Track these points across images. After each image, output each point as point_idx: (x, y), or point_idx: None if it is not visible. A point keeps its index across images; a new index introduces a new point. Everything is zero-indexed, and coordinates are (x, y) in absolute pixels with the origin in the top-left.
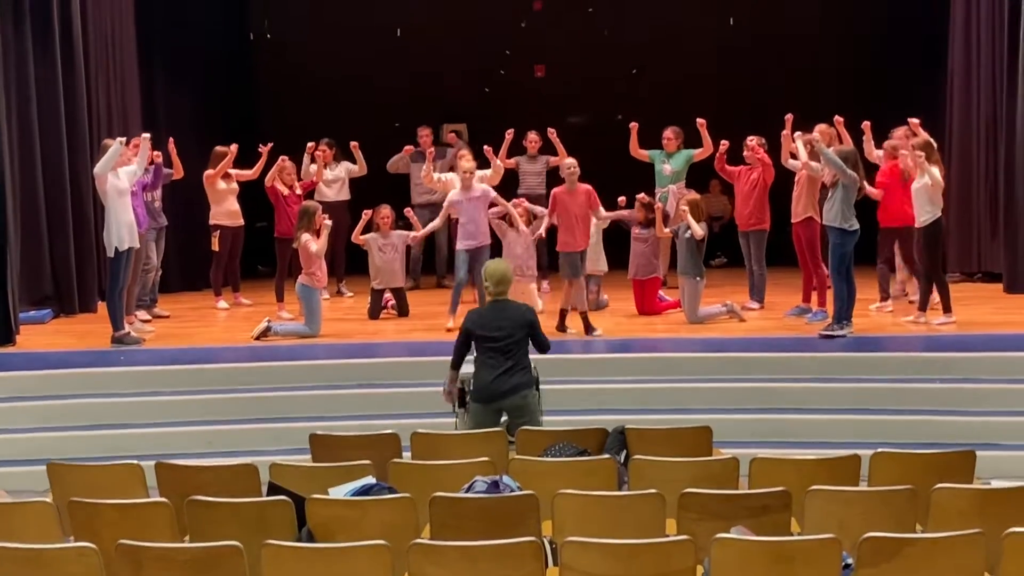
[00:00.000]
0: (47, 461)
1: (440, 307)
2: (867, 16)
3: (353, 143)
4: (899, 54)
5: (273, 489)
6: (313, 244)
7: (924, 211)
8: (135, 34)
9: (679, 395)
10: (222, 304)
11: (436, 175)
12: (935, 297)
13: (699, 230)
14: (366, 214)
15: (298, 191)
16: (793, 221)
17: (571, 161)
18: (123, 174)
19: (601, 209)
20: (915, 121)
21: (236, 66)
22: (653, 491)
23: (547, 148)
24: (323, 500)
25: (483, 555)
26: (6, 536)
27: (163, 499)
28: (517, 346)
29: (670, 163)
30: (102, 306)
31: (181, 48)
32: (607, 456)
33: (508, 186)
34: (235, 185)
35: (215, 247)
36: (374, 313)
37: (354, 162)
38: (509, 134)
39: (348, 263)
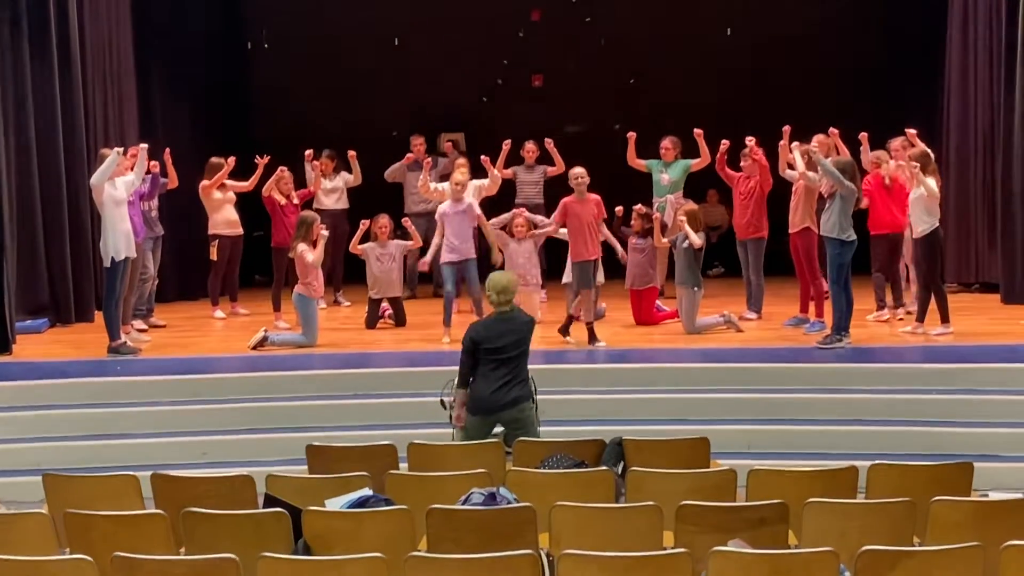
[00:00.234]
0: (43, 472)
1: (439, 316)
2: (864, 26)
3: (351, 152)
4: (896, 64)
5: (269, 501)
6: (309, 254)
7: (921, 221)
8: (132, 43)
9: (677, 406)
10: (219, 314)
11: (432, 185)
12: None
13: (697, 239)
14: (364, 223)
15: (295, 200)
16: (791, 232)
17: (580, 170)
18: (120, 184)
19: (603, 225)
20: (912, 132)
21: (233, 76)
22: (651, 503)
23: (544, 158)
24: (319, 512)
25: (480, 568)
26: (2, 548)
27: (159, 511)
28: (520, 358)
29: (668, 173)
30: (98, 315)
31: (178, 58)
32: (604, 468)
33: (505, 196)
34: (231, 194)
35: (213, 256)
36: (371, 323)
37: (351, 172)
38: (506, 145)
39: (346, 272)
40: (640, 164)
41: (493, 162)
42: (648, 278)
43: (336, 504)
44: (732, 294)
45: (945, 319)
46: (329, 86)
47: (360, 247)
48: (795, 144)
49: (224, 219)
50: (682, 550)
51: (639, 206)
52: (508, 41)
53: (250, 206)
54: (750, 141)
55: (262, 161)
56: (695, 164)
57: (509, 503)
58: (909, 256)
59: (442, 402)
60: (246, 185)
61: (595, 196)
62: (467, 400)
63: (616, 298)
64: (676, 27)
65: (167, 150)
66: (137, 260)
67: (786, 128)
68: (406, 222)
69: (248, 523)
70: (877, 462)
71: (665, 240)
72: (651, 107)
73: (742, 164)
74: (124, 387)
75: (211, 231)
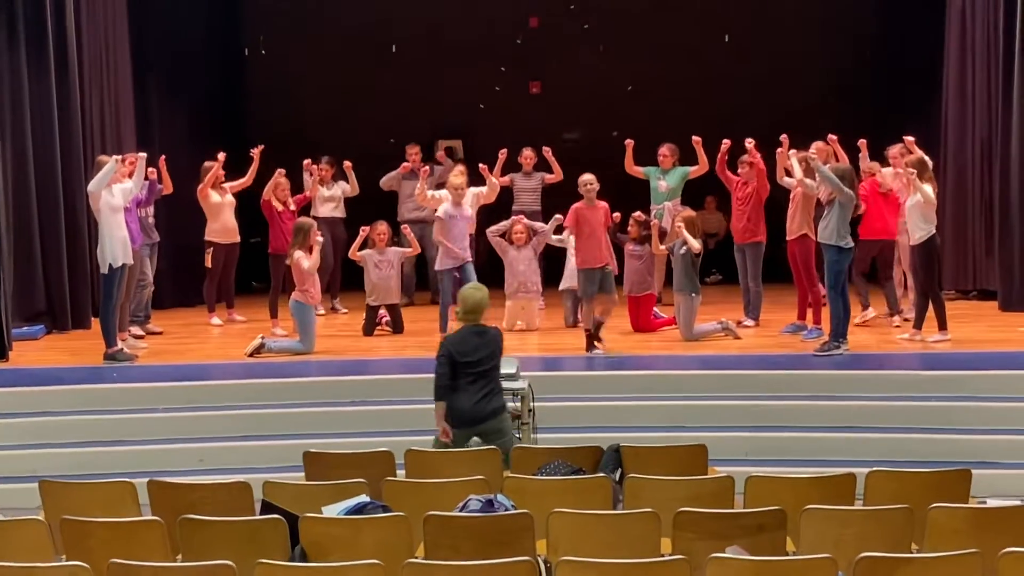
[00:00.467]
0: (39, 478)
1: (436, 323)
2: (862, 35)
3: (347, 163)
4: (895, 72)
5: (266, 507)
6: (305, 261)
7: (918, 228)
8: (129, 50)
9: (674, 413)
10: (216, 320)
11: (430, 192)
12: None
13: (696, 244)
14: (364, 230)
15: (292, 207)
16: (788, 239)
17: (589, 177)
18: (117, 191)
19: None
20: (910, 139)
21: (230, 82)
22: (648, 510)
23: (542, 165)
24: (316, 519)
25: (477, 574)
26: None
27: (155, 517)
28: (495, 370)
29: (666, 180)
30: (95, 322)
31: (175, 64)
32: (602, 475)
33: (503, 203)
34: (231, 198)
35: (208, 263)
36: (368, 330)
37: (348, 181)
38: (503, 153)
39: (343, 279)
40: (638, 171)
41: (491, 170)
42: (646, 285)
43: (333, 511)
44: (730, 301)
45: (943, 326)
46: (326, 92)
47: (359, 254)
48: (793, 152)
49: (220, 226)
50: (680, 557)
51: (637, 213)
52: (506, 48)
53: (247, 212)
54: (749, 143)
55: (257, 151)
56: (693, 171)
57: (507, 510)
58: (907, 263)
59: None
60: (244, 180)
61: (604, 204)
62: (446, 413)
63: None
64: (674, 34)
65: (163, 157)
66: (134, 267)
67: (784, 136)
68: (405, 229)
69: (245, 530)
70: (875, 469)
71: (663, 247)
72: (649, 114)
73: (740, 171)
74: (121, 394)
75: (206, 237)
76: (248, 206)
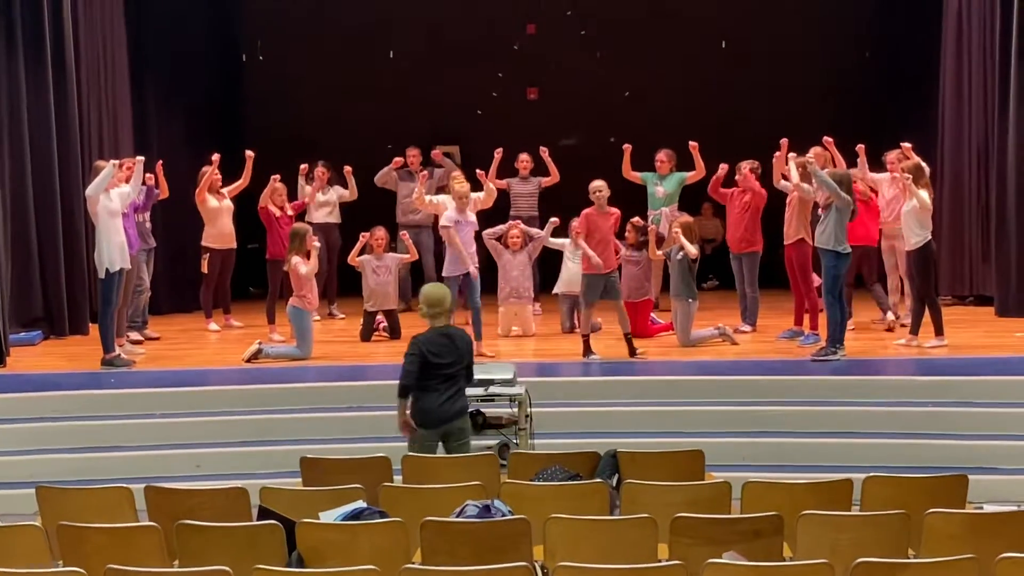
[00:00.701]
0: (36, 484)
1: None
2: (860, 41)
3: (347, 168)
4: (892, 78)
5: (263, 513)
6: (303, 266)
7: (914, 234)
8: (127, 55)
9: (671, 418)
10: (213, 326)
11: (428, 197)
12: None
13: (693, 249)
14: (364, 236)
15: (289, 212)
16: (785, 243)
17: (600, 183)
18: (115, 196)
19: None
20: (907, 145)
21: (228, 86)
22: (645, 515)
23: (539, 170)
24: (314, 524)
25: None
26: None
27: (152, 523)
28: (462, 372)
29: (663, 185)
30: (93, 328)
31: (173, 69)
32: (599, 480)
33: (499, 208)
34: (228, 203)
35: (204, 268)
36: (366, 335)
37: (346, 186)
38: (498, 153)
39: (340, 285)
40: (635, 176)
41: (486, 171)
42: (643, 290)
43: (330, 516)
44: (727, 307)
45: (939, 332)
46: (324, 97)
47: (357, 259)
48: (792, 155)
49: (216, 232)
50: (677, 562)
51: (635, 219)
52: (504, 54)
53: (245, 218)
54: (745, 167)
55: (250, 155)
56: (690, 177)
57: (503, 515)
58: (904, 269)
59: None
60: (241, 182)
61: (615, 210)
62: (410, 410)
63: (610, 311)
64: (671, 40)
65: (159, 161)
66: (131, 272)
67: (783, 141)
68: (403, 236)
69: (242, 535)
70: (872, 474)
71: (660, 252)
72: (646, 120)
73: (736, 177)
74: (118, 399)
75: (203, 243)
76: (246, 212)
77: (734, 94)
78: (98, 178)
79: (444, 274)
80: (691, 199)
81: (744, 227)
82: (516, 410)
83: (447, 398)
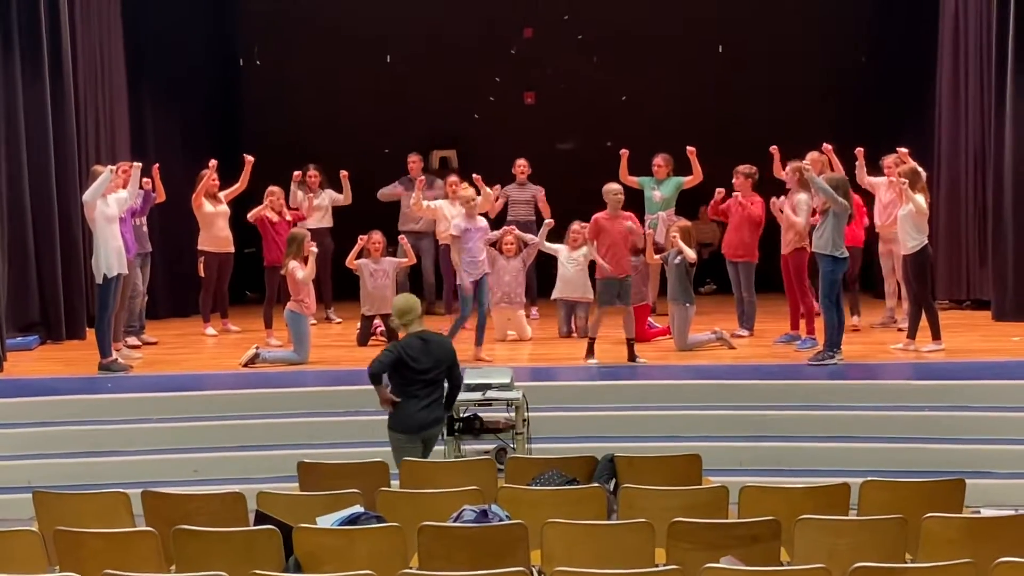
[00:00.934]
0: (33, 489)
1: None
2: (857, 44)
3: (343, 172)
4: (887, 83)
5: (260, 518)
6: (300, 271)
7: (910, 238)
8: (124, 60)
9: (668, 423)
10: (210, 331)
11: (426, 203)
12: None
13: (691, 253)
14: (361, 239)
15: (287, 217)
16: (783, 252)
17: (617, 187)
18: (112, 201)
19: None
20: (904, 150)
21: (225, 91)
22: (643, 520)
23: (536, 177)
24: (311, 529)
25: None
26: None
27: (149, 528)
28: (440, 379)
29: (660, 190)
30: (90, 332)
31: (170, 73)
32: (596, 485)
33: (497, 213)
34: (224, 207)
35: (201, 273)
36: (363, 339)
37: (339, 190)
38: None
39: (336, 289)
40: (632, 181)
41: (485, 181)
42: (640, 295)
43: (327, 521)
44: (724, 311)
45: (936, 336)
46: (321, 102)
47: (355, 263)
48: (790, 164)
49: (212, 236)
50: (674, 567)
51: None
52: (500, 58)
53: (243, 223)
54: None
55: (250, 160)
56: (687, 181)
57: (501, 520)
58: (900, 273)
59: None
60: (238, 185)
61: (629, 214)
62: (393, 412)
63: (607, 315)
64: (668, 45)
65: (156, 165)
66: (128, 277)
67: (773, 149)
68: (402, 240)
69: (239, 540)
70: (869, 479)
71: (657, 257)
72: (643, 125)
73: (733, 182)
74: (115, 404)
75: (199, 247)
76: (243, 217)
77: (732, 97)
78: (95, 183)
79: (459, 283)
80: (688, 204)
81: (742, 236)
82: (513, 414)
83: (424, 406)
